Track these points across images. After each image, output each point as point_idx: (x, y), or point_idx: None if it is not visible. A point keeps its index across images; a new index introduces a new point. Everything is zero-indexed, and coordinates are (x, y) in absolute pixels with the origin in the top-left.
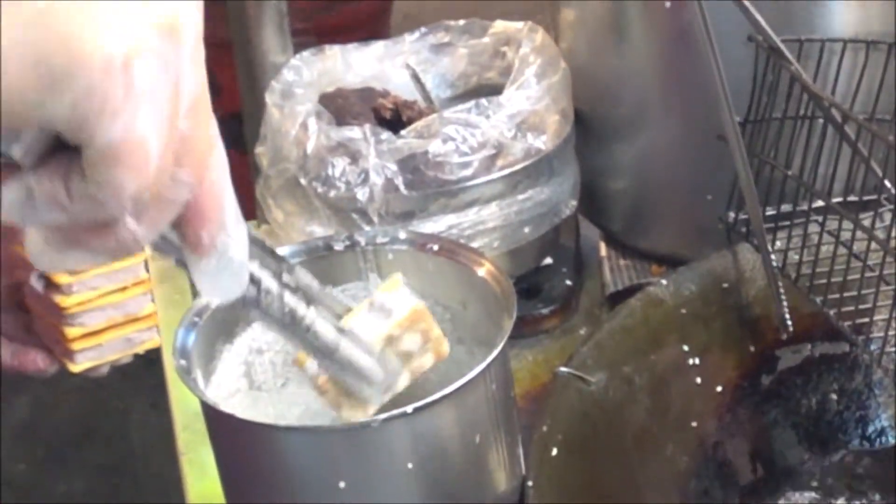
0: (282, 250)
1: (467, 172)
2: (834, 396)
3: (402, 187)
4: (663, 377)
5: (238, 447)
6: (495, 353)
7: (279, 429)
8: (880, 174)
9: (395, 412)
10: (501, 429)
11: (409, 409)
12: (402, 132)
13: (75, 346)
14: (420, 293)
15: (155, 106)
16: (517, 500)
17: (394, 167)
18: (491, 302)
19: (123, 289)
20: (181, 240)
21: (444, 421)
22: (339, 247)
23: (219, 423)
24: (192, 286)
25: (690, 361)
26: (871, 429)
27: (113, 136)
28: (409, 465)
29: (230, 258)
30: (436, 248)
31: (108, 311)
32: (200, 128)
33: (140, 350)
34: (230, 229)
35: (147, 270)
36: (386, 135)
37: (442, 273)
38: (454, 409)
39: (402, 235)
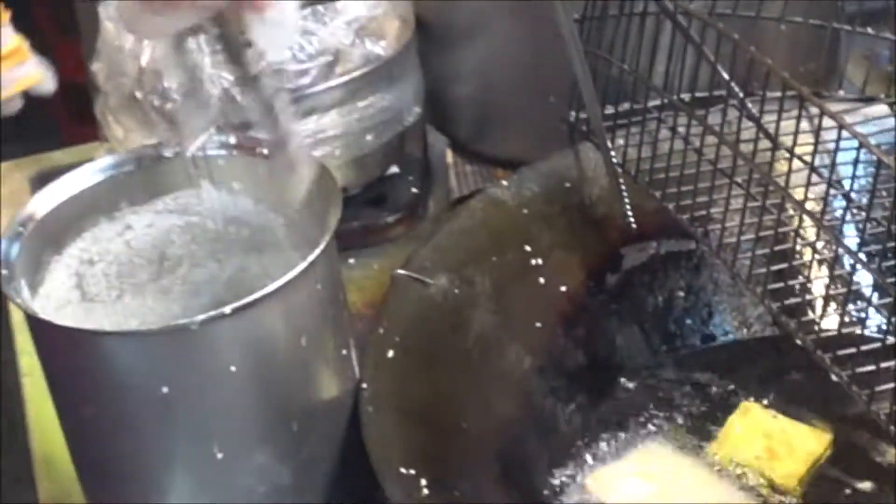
0: (110, 159)
1: (305, 81)
2: (680, 293)
3: (239, 97)
4: (506, 278)
5: (59, 355)
6: (318, 251)
7: (97, 334)
8: (712, 60)
9: (213, 313)
10: (330, 330)
11: (227, 309)
12: None
13: None
14: (254, 199)
15: None
16: (352, 403)
17: (230, 77)
18: (318, 201)
19: None
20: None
21: (266, 322)
22: (168, 154)
23: (39, 332)
24: None
25: (533, 262)
26: (715, 324)
27: None
28: (233, 368)
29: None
30: (265, 151)
31: None
32: None
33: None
34: None
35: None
36: (221, 45)
37: (273, 176)
38: (277, 309)
39: (232, 141)
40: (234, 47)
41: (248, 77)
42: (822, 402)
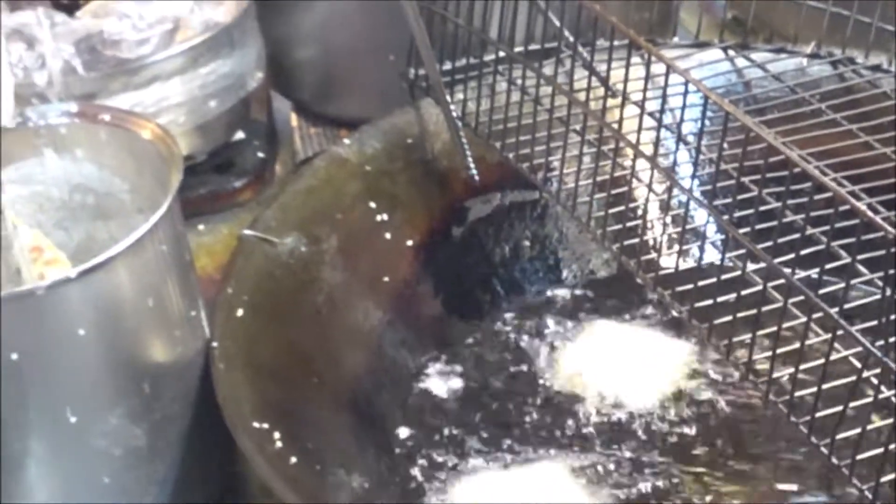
0: None
1: (145, 50)
2: (527, 243)
3: (80, 69)
4: (352, 235)
5: None
6: (160, 212)
7: None
8: (543, 9)
9: (59, 277)
10: (177, 291)
11: (72, 273)
12: (78, 13)
13: None
14: (97, 165)
15: None
16: (203, 362)
17: (71, 49)
18: (160, 164)
19: None
20: None
21: (112, 284)
22: (10, 124)
23: None
24: None
25: (379, 218)
26: (564, 270)
27: None
28: (81, 332)
29: None
30: (107, 118)
31: None
32: None
33: None
34: None
35: None
36: (60, 17)
37: (115, 142)
38: (123, 271)
39: (74, 109)
40: None
41: None
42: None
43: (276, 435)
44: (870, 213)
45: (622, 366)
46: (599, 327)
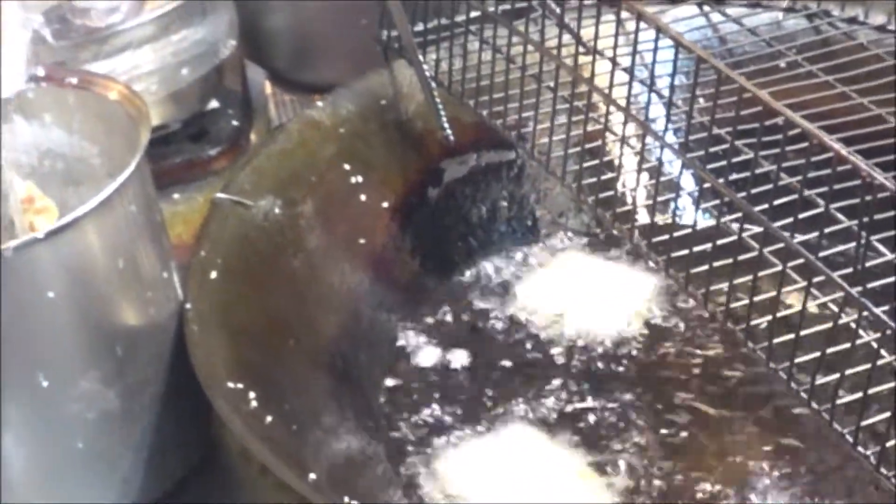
0: None
1: (116, 18)
2: (504, 203)
3: (50, 38)
4: (327, 197)
5: None
6: (128, 171)
7: None
8: None
9: (26, 238)
10: (148, 253)
11: (40, 234)
12: None
13: None
14: (67, 130)
15: None
16: (176, 325)
17: (40, 19)
18: (129, 126)
19: None
20: None
21: (81, 246)
22: (9, 94)
23: None
24: None
25: (354, 180)
26: (541, 230)
27: None
28: (51, 294)
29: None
30: (74, 81)
31: None
32: None
33: None
34: None
35: None
36: None
37: (83, 105)
38: (91, 232)
39: (41, 73)
40: None
41: None
42: None
43: (252, 395)
44: (844, 153)
45: (597, 306)
46: (574, 270)
